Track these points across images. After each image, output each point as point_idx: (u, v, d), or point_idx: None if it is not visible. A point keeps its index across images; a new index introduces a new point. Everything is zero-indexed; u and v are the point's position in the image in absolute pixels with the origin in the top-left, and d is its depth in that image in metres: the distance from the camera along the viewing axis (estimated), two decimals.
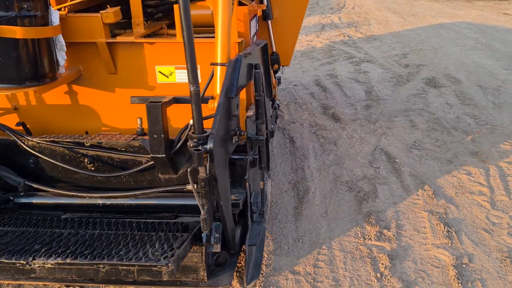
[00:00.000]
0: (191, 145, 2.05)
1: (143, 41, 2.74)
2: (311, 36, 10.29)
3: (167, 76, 2.81)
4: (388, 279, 2.59)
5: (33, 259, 2.05)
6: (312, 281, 2.58)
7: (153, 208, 2.61)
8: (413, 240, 2.96)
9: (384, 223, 3.13)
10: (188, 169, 2.04)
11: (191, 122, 2.28)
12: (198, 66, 2.73)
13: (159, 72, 2.81)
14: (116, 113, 2.93)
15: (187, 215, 2.55)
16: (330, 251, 2.84)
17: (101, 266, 2.02)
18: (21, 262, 2.04)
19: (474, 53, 8.13)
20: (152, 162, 2.51)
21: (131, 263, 2.00)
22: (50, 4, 2.48)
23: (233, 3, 2.50)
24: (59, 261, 2.04)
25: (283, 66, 3.97)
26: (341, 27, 11.54)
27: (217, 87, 2.34)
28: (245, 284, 2.48)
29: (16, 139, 2.64)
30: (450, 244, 2.91)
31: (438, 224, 3.12)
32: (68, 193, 2.66)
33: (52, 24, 2.48)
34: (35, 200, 2.69)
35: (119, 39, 2.72)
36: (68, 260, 2.04)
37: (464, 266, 2.72)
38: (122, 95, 2.87)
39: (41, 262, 2.04)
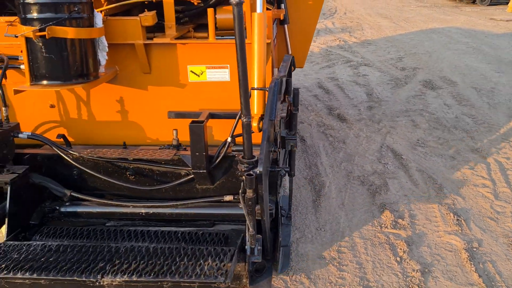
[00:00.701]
0: (243, 169, 2.27)
1: (178, 42, 2.93)
2: None
3: (198, 75, 3.02)
4: (407, 262, 2.82)
5: (102, 277, 2.20)
6: (337, 265, 2.80)
7: (192, 217, 2.81)
8: (426, 228, 3.20)
9: (397, 213, 3.37)
10: (240, 191, 2.26)
11: (229, 139, 2.52)
12: (228, 65, 2.97)
13: (191, 71, 3.01)
14: (149, 111, 3.12)
15: (222, 223, 2.79)
16: (350, 239, 3.06)
17: (165, 283, 2.19)
18: (91, 280, 2.19)
19: (467, 57, 8.46)
20: (192, 175, 2.70)
21: (192, 280, 2.17)
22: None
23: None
24: (126, 279, 2.18)
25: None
26: (335, 32, 11.84)
27: (255, 107, 2.55)
28: (277, 272, 2.70)
29: (61, 153, 2.78)
30: (460, 231, 3.15)
31: (447, 213, 3.36)
32: (112, 202, 2.83)
33: (96, 26, 2.67)
34: (79, 209, 2.85)
35: (155, 40, 2.91)
36: (134, 278, 2.19)
37: (474, 249, 2.96)
38: (156, 93, 3.07)
39: (109, 280, 2.19)
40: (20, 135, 2.76)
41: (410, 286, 2.62)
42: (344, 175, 3.96)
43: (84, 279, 2.22)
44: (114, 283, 2.21)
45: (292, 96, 3.18)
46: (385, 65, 8.11)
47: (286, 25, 3.76)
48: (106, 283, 2.21)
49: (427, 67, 7.79)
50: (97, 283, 2.21)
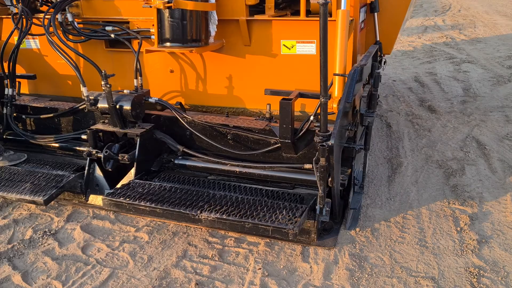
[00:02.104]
0: (317, 141, 2.76)
1: (273, 19, 3.48)
2: (413, 37, 10.55)
3: (289, 48, 3.54)
4: (466, 232, 3.10)
5: (200, 212, 2.86)
6: (400, 227, 3.17)
7: (277, 179, 3.39)
8: (494, 208, 3.41)
9: (468, 194, 3.60)
10: (314, 159, 2.77)
11: (311, 117, 3.01)
12: (315, 40, 3.43)
13: (283, 45, 3.55)
14: (248, 78, 3.72)
15: (301, 187, 3.33)
16: (417, 209, 3.39)
17: (247, 223, 2.78)
18: (193, 213, 2.86)
19: None
20: (279, 144, 3.25)
21: (267, 224, 2.74)
22: None
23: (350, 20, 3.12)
24: (218, 216, 2.82)
25: (384, 56, 4.53)
26: (444, 29, 11.61)
27: (335, 90, 3.00)
28: (346, 228, 3.15)
29: (178, 117, 3.51)
30: None
31: None
32: (214, 160, 3.49)
33: (210, 2, 3.32)
34: (188, 163, 3.58)
35: (256, 17, 3.49)
36: (224, 216, 2.82)
37: None
38: (253, 63, 3.66)
39: (205, 215, 2.84)
40: (150, 99, 3.54)
41: (465, 250, 2.91)
42: (423, 158, 4.23)
43: (187, 212, 2.90)
44: (209, 218, 2.85)
45: (373, 78, 3.58)
46: (491, 63, 7.94)
47: (375, 13, 4.12)
48: (203, 217, 2.86)
49: None
50: (197, 217, 2.87)
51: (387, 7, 4.14)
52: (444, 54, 8.73)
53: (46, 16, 3.63)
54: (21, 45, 3.87)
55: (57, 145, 3.87)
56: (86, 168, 3.48)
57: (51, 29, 3.54)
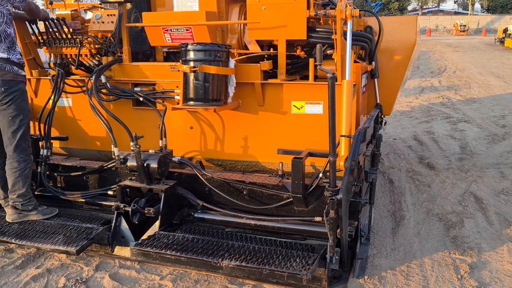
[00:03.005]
0: (327, 195, 3.10)
1: (285, 83, 3.89)
2: (411, 98, 11.11)
3: (299, 109, 3.93)
4: (467, 280, 3.35)
5: (222, 260, 3.15)
6: (405, 275, 3.42)
7: (289, 231, 3.70)
8: (491, 257, 3.67)
9: (467, 245, 3.87)
10: (324, 212, 3.08)
11: (320, 174, 3.37)
12: (322, 102, 3.83)
13: (294, 105, 3.94)
14: (262, 135, 4.07)
15: (312, 238, 3.63)
16: (420, 259, 3.65)
17: (264, 270, 3.06)
18: (215, 261, 3.15)
19: None
20: (291, 199, 3.59)
21: (283, 271, 3.02)
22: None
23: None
24: (238, 263, 3.11)
25: (384, 117, 4.95)
26: (440, 90, 12.21)
27: (342, 149, 3.32)
28: (354, 277, 3.41)
29: (198, 174, 3.87)
30: None
31: None
32: (231, 213, 3.81)
33: (230, 67, 3.76)
34: (207, 217, 3.90)
35: (270, 81, 3.92)
36: (243, 264, 3.11)
37: None
38: (267, 121, 4.02)
39: (226, 263, 3.12)
40: (173, 159, 3.91)
41: None
42: (424, 211, 4.53)
43: (210, 260, 3.18)
44: (229, 265, 3.13)
45: (376, 139, 3.96)
46: (486, 122, 8.39)
47: (376, 79, 4.58)
48: (224, 264, 3.14)
49: None
50: (218, 264, 3.15)
51: (386, 73, 4.61)
52: (441, 113, 9.21)
53: (82, 78, 4.09)
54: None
55: (84, 200, 4.20)
56: (114, 221, 3.78)
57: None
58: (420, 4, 65.06)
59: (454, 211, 4.54)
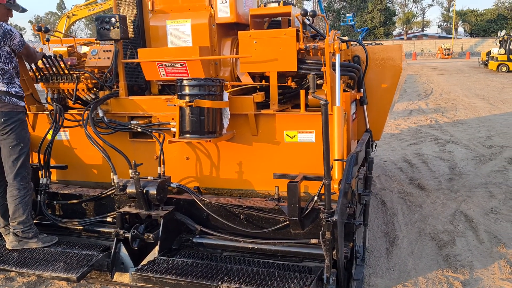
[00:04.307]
0: (323, 217, 3.20)
1: (277, 113, 4.02)
2: (399, 121, 11.34)
3: (292, 138, 4.05)
4: None
5: (221, 283, 3.23)
6: None
7: (286, 253, 3.77)
8: (483, 274, 3.78)
9: (460, 262, 3.98)
10: (320, 233, 3.18)
11: (315, 197, 3.48)
12: (314, 130, 3.96)
13: (286, 135, 4.07)
14: (256, 163, 4.18)
15: (308, 260, 3.70)
16: (415, 277, 3.75)
17: None
18: (214, 284, 3.23)
19: None
20: (287, 222, 3.68)
21: None
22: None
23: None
24: (237, 285, 3.19)
25: (375, 141, 5.10)
26: (428, 112, 12.48)
27: (335, 173, 3.46)
28: None
29: (196, 200, 3.96)
30: None
31: (505, 265, 3.90)
32: (229, 237, 3.89)
33: (224, 100, 3.89)
34: (205, 241, 3.96)
35: (262, 111, 4.05)
36: (242, 286, 3.19)
37: None
38: (261, 150, 4.14)
39: (226, 285, 3.21)
40: (171, 185, 4.00)
41: None
42: (417, 231, 4.65)
43: (209, 283, 3.25)
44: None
45: (367, 162, 4.10)
46: (473, 143, 8.60)
47: (365, 106, 4.75)
48: (223, 287, 3.21)
49: None
50: (217, 287, 3.22)
51: (374, 100, 4.78)
52: (429, 135, 9.42)
53: (80, 112, 4.19)
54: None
55: (83, 227, 4.25)
56: (113, 247, 3.83)
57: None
58: (405, 29, 66.57)
59: (445, 230, 4.66)
